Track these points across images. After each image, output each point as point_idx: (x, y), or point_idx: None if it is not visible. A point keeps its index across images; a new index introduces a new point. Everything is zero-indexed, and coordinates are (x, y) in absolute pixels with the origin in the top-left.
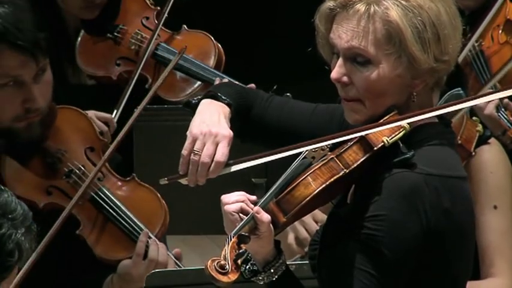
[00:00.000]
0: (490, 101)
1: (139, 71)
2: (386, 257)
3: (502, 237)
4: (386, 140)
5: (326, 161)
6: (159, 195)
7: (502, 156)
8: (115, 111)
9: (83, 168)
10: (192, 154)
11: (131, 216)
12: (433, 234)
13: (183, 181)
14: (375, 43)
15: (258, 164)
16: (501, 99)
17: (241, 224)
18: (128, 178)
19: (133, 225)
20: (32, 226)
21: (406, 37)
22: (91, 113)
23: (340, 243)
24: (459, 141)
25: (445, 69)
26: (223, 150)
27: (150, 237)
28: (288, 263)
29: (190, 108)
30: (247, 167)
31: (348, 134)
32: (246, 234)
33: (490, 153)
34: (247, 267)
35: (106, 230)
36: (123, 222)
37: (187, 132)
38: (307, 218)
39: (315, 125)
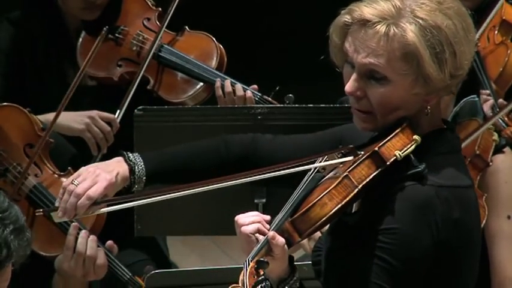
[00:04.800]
0: (485, 102)
1: (142, 71)
2: (397, 270)
3: None
4: (399, 154)
5: (340, 179)
6: None
7: None
8: (118, 111)
9: (18, 167)
10: (71, 184)
11: None
12: (444, 245)
13: (55, 216)
14: (392, 63)
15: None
16: (496, 99)
17: (257, 247)
18: (64, 173)
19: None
20: (23, 230)
21: (424, 59)
22: (94, 113)
23: (349, 253)
24: (477, 152)
25: (459, 81)
26: (97, 188)
27: (80, 230)
28: None
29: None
30: (122, 208)
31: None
32: (265, 260)
33: (505, 163)
34: (263, 286)
35: (42, 226)
36: None
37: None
38: None
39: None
